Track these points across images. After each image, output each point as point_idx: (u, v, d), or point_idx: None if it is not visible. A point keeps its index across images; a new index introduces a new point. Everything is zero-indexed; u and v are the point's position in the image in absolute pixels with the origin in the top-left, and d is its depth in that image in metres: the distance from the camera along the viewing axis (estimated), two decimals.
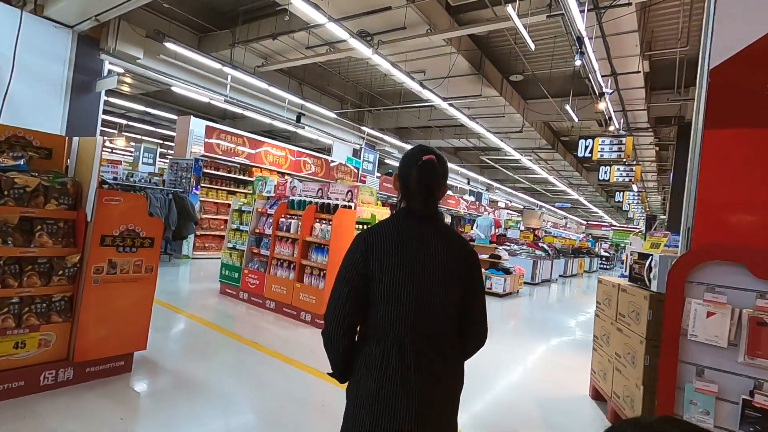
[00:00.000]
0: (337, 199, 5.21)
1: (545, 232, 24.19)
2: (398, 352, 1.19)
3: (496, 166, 17.85)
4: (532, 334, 5.88)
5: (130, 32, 8.17)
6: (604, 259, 24.04)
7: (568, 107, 8.68)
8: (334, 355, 1.28)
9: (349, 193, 5.22)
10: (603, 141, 6.86)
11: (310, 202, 5.26)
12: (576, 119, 8.69)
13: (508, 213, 26.67)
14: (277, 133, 17.14)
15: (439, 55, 8.28)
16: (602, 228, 45.63)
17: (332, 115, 11.60)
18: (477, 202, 22.98)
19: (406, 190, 1.30)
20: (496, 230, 10.58)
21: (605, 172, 9.28)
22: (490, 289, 8.86)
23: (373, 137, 15.07)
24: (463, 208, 20.72)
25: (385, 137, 13.85)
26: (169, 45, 7.76)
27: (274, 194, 5.95)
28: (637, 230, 42.93)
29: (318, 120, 13.86)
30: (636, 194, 12.81)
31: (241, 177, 10.08)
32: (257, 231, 5.70)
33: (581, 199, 25.85)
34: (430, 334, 1.23)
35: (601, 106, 6.36)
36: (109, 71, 8.16)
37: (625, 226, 47.13)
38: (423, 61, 8.70)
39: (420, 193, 1.27)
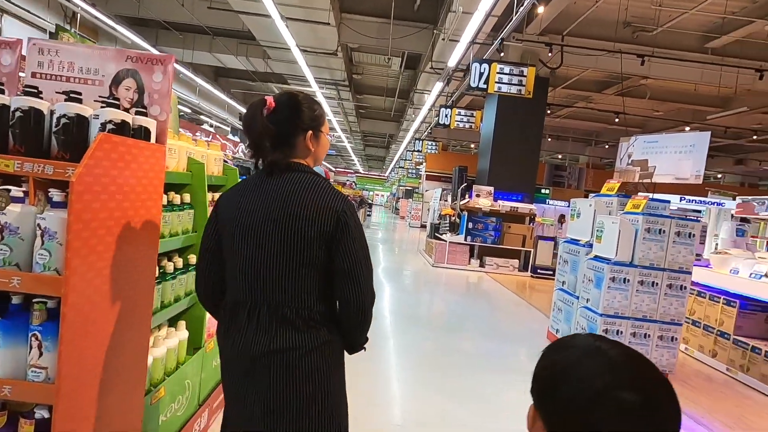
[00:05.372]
0: (69, 97, 1.28)
1: None
2: (232, 315, 1.15)
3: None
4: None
5: None
6: (368, 206, 24.95)
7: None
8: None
9: (128, 81, 1.39)
10: (501, 68, 5.06)
11: None
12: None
13: None
14: None
15: None
16: (347, 174, 49.01)
17: None
18: (241, 144, 19.05)
19: None
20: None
21: (446, 116, 7.82)
22: None
23: (91, 22, 9.00)
24: (230, 152, 16.52)
25: (118, 27, 8.28)
26: None
27: None
28: (383, 177, 48.01)
29: None
30: (434, 144, 12.46)
31: None
32: None
33: (348, 147, 25.58)
34: (266, 300, 1.12)
35: (541, 9, 4.50)
36: None
37: (369, 173, 52.40)
38: None
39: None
